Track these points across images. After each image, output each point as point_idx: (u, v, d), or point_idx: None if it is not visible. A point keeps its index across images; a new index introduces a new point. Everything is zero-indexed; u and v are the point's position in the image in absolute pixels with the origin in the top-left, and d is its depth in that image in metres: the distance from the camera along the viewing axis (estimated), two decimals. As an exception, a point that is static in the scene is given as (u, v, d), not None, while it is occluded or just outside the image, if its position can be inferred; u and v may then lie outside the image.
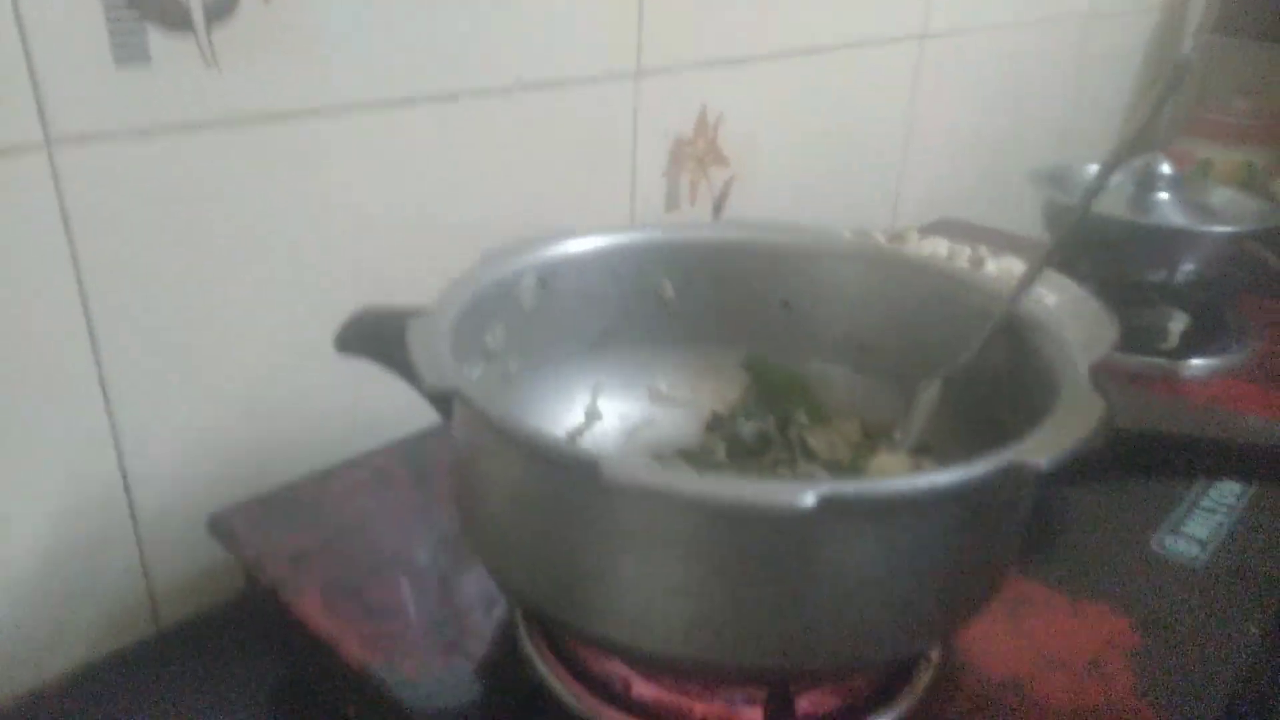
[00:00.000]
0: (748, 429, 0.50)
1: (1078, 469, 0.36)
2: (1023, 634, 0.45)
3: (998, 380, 0.41)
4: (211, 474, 0.53)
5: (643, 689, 0.41)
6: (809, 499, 0.27)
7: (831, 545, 0.30)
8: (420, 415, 0.55)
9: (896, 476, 0.34)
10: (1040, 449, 0.30)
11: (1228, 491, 0.57)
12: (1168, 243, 0.71)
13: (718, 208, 0.78)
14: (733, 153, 0.77)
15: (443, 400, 0.36)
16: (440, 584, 0.47)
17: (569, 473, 0.31)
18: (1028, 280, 0.42)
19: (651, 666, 0.39)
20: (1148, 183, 0.75)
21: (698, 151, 0.73)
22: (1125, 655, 0.44)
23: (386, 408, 0.57)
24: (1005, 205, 1.01)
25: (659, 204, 0.73)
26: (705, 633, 0.32)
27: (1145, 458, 0.38)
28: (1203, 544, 0.53)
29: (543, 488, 0.33)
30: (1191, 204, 0.77)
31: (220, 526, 0.50)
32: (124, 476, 0.50)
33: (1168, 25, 1.38)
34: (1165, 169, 0.75)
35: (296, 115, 0.51)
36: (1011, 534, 0.36)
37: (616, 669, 0.41)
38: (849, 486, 0.29)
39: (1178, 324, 0.76)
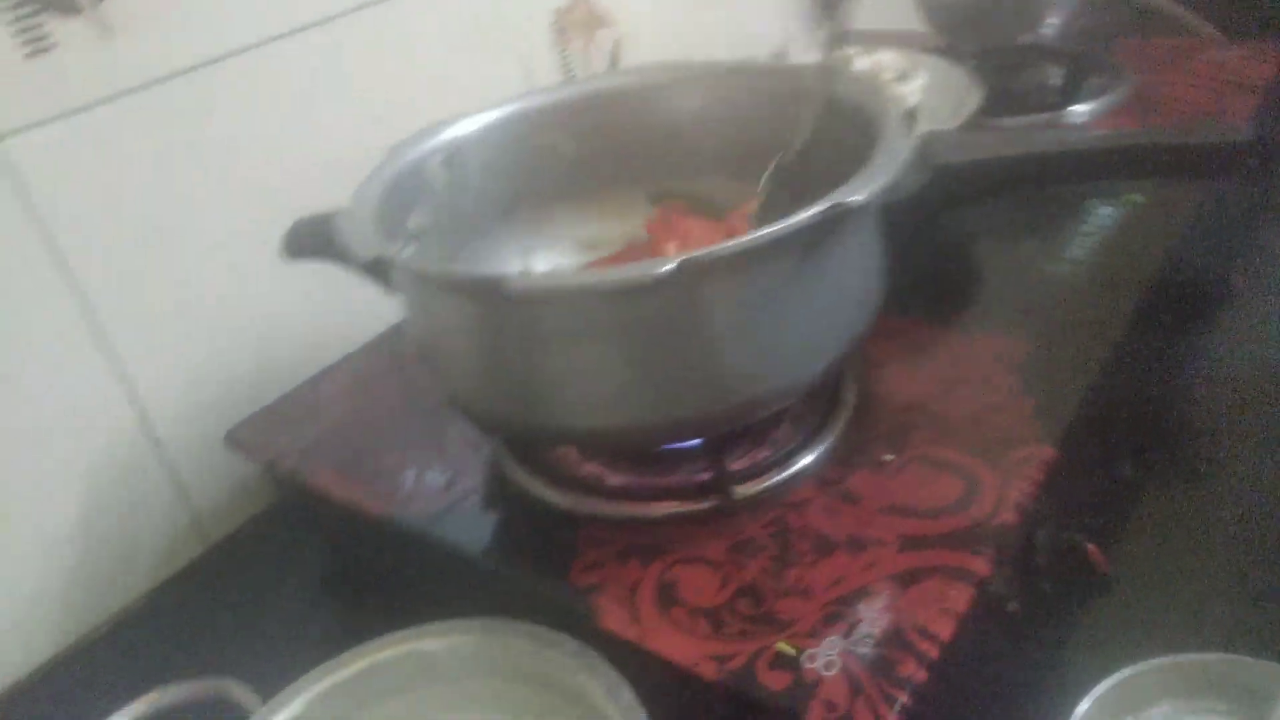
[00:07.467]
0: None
1: (912, 202, 0.42)
2: (925, 368, 0.53)
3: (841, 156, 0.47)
4: (219, 396, 0.60)
5: (614, 479, 0.48)
6: (669, 266, 0.34)
7: (700, 302, 0.37)
8: (382, 316, 0.62)
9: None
10: (856, 190, 0.36)
11: (1104, 214, 0.64)
12: (1026, 4, 0.76)
13: (613, 68, 0.82)
14: (611, 12, 0.81)
15: (380, 272, 0.42)
16: (430, 442, 0.54)
17: (488, 292, 0.37)
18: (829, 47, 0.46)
19: (601, 443, 0.46)
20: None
21: (579, 19, 0.78)
22: (1012, 367, 0.51)
23: (352, 315, 0.64)
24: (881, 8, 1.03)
25: (555, 78, 0.77)
26: (633, 400, 0.39)
27: (978, 185, 0.44)
28: (1079, 263, 0.60)
29: (474, 312, 0.40)
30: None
31: (236, 439, 0.57)
32: (141, 414, 0.57)
33: None
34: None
35: (195, 69, 0.55)
36: (860, 268, 0.43)
37: (590, 470, 0.49)
38: (700, 251, 0.35)
39: (1055, 79, 0.81)
